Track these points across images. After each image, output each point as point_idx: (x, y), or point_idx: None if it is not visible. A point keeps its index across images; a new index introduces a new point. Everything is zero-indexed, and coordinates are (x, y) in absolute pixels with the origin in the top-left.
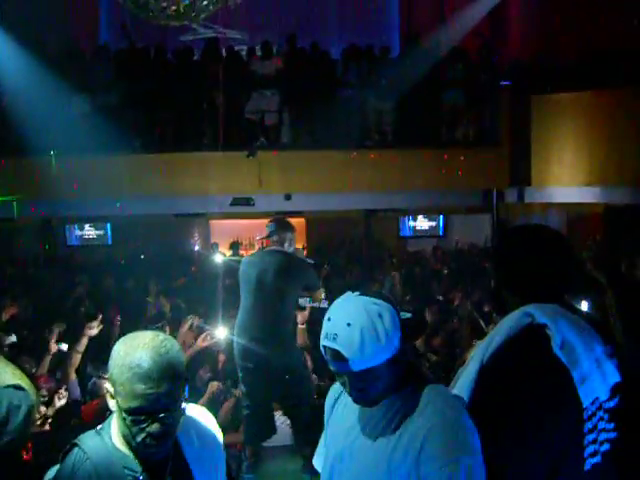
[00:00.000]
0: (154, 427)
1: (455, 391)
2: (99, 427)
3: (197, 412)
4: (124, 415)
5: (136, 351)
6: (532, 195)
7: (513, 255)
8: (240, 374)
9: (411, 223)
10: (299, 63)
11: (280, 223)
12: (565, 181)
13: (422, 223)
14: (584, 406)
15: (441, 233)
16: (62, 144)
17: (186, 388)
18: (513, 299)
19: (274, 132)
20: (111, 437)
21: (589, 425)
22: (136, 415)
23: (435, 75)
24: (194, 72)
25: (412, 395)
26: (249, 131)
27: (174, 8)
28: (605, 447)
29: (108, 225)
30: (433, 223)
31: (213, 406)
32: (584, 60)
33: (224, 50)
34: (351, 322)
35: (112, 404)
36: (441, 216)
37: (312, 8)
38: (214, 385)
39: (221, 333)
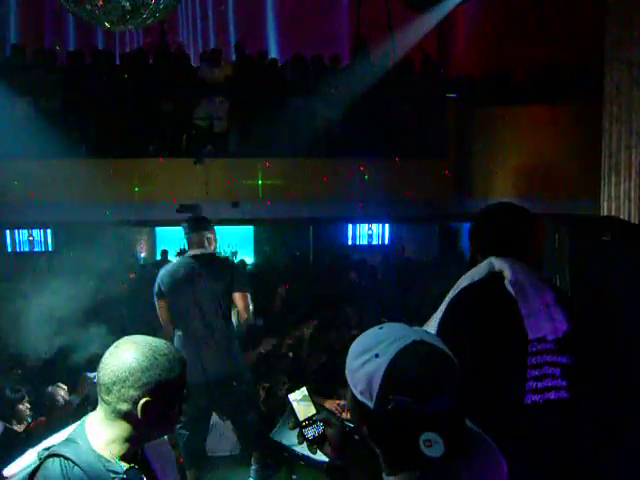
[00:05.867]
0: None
1: (430, 321)
2: (68, 437)
3: None
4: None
5: (153, 353)
6: (475, 205)
7: (484, 224)
8: None
9: (359, 231)
10: (248, 71)
11: (194, 223)
12: (507, 192)
13: (368, 232)
14: (530, 338)
15: (386, 242)
16: (4, 147)
17: None
18: (484, 260)
19: (222, 139)
20: (90, 444)
21: (533, 361)
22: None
23: (383, 86)
24: (142, 77)
25: None
26: (197, 138)
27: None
28: (552, 395)
29: (49, 232)
30: (380, 232)
31: None
32: (527, 75)
33: (173, 56)
34: None
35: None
36: (387, 225)
37: (262, 16)
38: None
39: None
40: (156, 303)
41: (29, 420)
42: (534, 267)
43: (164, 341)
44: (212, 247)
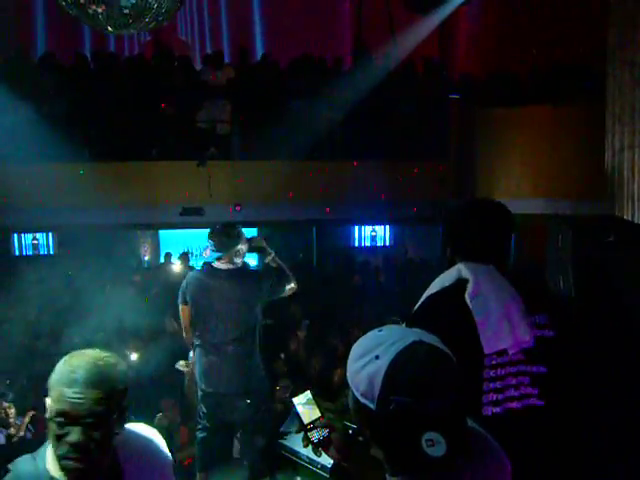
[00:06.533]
0: (74, 437)
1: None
2: (37, 451)
3: (147, 432)
4: (51, 424)
5: (73, 359)
6: None
7: (456, 224)
8: (200, 393)
9: (362, 233)
10: (250, 73)
11: (225, 242)
12: (510, 193)
13: (371, 234)
14: (485, 352)
15: (389, 243)
16: (7, 151)
17: (126, 407)
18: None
19: (225, 142)
20: (45, 462)
21: (491, 373)
22: (59, 418)
23: (385, 87)
24: (144, 80)
25: None
26: (200, 140)
27: (118, 17)
28: (514, 404)
29: (51, 235)
30: (382, 234)
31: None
32: (529, 76)
33: (176, 59)
34: None
35: (48, 413)
36: (388, 227)
37: (263, 18)
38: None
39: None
40: (180, 307)
41: (18, 423)
42: (508, 272)
43: (101, 362)
44: (239, 258)
